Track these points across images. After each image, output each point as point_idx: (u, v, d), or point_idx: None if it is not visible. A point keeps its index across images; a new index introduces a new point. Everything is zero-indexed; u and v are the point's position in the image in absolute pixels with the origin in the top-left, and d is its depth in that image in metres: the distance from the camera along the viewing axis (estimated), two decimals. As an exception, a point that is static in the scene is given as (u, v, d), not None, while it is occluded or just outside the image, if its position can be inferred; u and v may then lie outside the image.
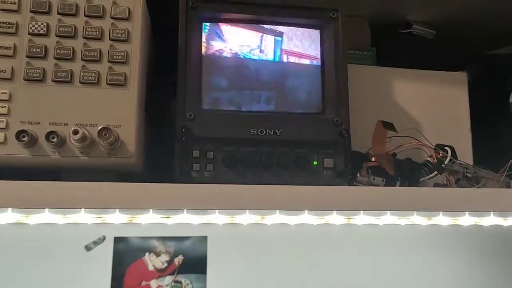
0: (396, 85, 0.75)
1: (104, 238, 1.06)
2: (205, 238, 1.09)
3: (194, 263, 1.08)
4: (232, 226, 1.05)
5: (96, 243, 1.05)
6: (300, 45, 0.63)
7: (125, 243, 1.06)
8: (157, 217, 0.77)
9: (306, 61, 0.63)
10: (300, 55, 0.63)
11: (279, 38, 0.63)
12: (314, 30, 0.64)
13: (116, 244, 1.06)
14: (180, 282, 1.07)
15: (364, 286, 1.09)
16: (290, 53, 0.63)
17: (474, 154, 0.74)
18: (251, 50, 0.62)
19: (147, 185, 0.50)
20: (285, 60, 0.63)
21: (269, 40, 0.62)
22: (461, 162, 0.66)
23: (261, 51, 0.62)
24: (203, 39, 0.61)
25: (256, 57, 0.62)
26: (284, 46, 0.63)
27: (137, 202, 0.50)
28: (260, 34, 0.62)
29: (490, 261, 1.13)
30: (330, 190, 0.53)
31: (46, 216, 0.72)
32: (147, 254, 1.06)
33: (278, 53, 0.63)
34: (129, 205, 0.50)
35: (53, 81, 0.52)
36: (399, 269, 1.11)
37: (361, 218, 0.82)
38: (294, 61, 0.63)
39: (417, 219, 0.84)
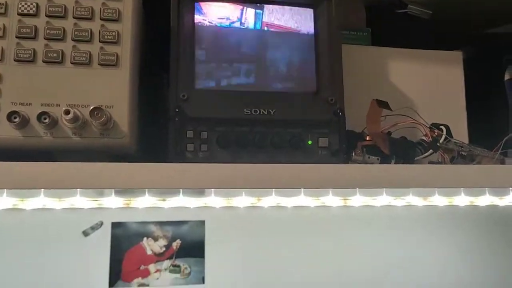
0: (391, 64, 0.74)
1: (101, 223, 1.06)
2: (202, 222, 1.10)
3: (192, 247, 1.08)
4: (229, 210, 1.06)
5: (93, 228, 1.05)
6: (295, 20, 0.63)
7: (122, 228, 1.06)
8: (153, 200, 0.77)
9: (301, 38, 0.63)
10: (292, 29, 0.63)
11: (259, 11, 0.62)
12: (308, 8, 0.63)
13: (114, 229, 1.06)
14: (178, 266, 1.07)
15: (361, 268, 1.10)
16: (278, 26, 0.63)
17: (469, 133, 0.73)
18: (246, 26, 0.61)
19: (142, 165, 0.50)
20: (276, 36, 0.62)
21: (250, 12, 0.62)
22: (456, 141, 0.66)
23: (252, 26, 0.62)
24: (195, 20, 0.60)
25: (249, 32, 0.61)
26: (275, 22, 0.63)
27: (132, 182, 0.49)
28: (253, 8, 0.62)
29: (487, 242, 1.14)
30: (325, 168, 0.53)
31: (42, 200, 0.71)
32: (145, 239, 1.07)
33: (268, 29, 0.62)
34: (125, 185, 0.49)
35: (43, 61, 0.51)
36: (396, 252, 1.11)
37: (357, 199, 0.82)
38: (288, 37, 0.62)
39: (413, 199, 0.84)
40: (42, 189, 0.64)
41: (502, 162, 0.65)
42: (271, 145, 0.58)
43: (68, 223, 1.03)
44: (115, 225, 1.06)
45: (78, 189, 0.66)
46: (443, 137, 0.64)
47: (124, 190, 0.64)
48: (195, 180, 0.50)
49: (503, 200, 0.85)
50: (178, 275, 1.07)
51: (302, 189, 0.74)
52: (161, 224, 1.08)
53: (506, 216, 1.13)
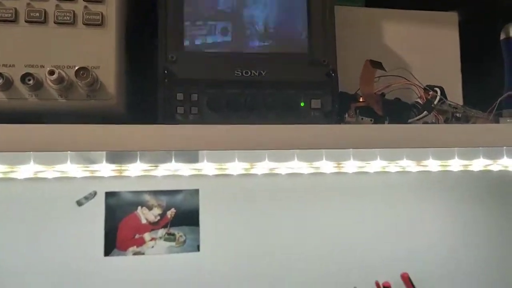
0: (385, 26, 0.73)
1: (95, 193, 1.06)
2: (196, 191, 1.10)
3: (187, 215, 1.08)
4: (223, 178, 1.06)
5: (87, 198, 1.05)
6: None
7: (116, 198, 1.06)
8: (145, 167, 0.76)
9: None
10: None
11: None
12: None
13: (108, 198, 1.06)
14: (173, 234, 1.07)
15: (355, 235, 1.11)
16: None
17: (464, 95, 0.73)
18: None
19: (133, 126, 0.49)
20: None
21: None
22: (451, 102, 0.65)
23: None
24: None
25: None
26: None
27: (123, 143, 0.48)
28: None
29: (480, 207, 1.15)
30: (319, 129, 0.52)
31: (32, 167, 0.70)
32: (139, 208, 1.07)
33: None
34: (115, 147, 0.48)
35: (26, 21, 0.49)
36: (390, 218, 1.12)
37: (351, 164, 0.81)
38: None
39: (407, 163, 0.83)
40: (32, 156, 0.63)
41: (497, 123, 0.64)
42: (263, 107, 0.57)
43: (62, 193, 1.03)
44: (109, 195, 1.06)
45: (68, 156, 0.65)
46: (438, 98, 0.63)
47: (115, 156, 0.63)
48: (187, 141, 0.49)
49: (497, 163, 0.85)
50: (173, 243, 1.07)
51: (295, 153, 0.73)
52: (155, 193, 1.08)
53: (500, 181, 1.13)
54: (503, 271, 1.13)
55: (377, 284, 1.05)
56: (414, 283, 1.05)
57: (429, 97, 0.64)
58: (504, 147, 0.56)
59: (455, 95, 0.70)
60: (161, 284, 1.04)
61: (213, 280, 1.06)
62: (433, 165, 0.88)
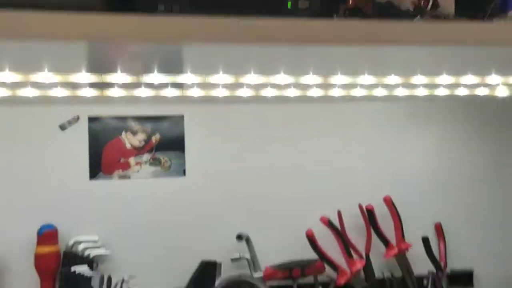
0: None
1: (78, 118, 1.04)
2: (181, 117, 1.08)
3: (172, 141, 1.08)
4: (208, 104, 1.04)
5: (70, 122, 1.03)
6: None
7: (100, 123, 1.05)
8: (127, 80, 0.73)
9: None
10: None
11: None
12: None
13: (91, 123, 1.04)
14: (158, 159, 1.07)
15: (341, 161, 1.12)
16: None
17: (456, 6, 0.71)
18: None
19: (114, 15, 0.47)
20: None
21: None
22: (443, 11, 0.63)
23: None
24: None
25: None
26: None
27: (104, 33, 0.46)
28: None
29: (463, 134, 1.17)
30: (306, 22, 0.50)
31: (7, 77, 0.67)
32: (123, 132, 1.06)
33: None
34: (96, 37, 0.46)
35: None
36: (375, 145, 1.13)
37: (339, 79, 0.80)
38: None
39: (394, 80, 0.82)
40: (6, 63, 0.60)
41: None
42: (248, 7, 0.54)
43: (44, 117, 1.01)
44: (92, 120, 1.04)
45: (46, 64, 0.62)
46: (431, 3, 0.61)
47: (95, 62, 0.61)
48: (170, 33, 0.47)
49: (485, 82, 0.84)
50: (158, 168, 1.07)
51: (281, 68, 0.71)
52: (139, 119, 1.06)
53: (484, 106, 1.14)
54: (484, 195, 1.16)
55: (360, 207, 1.07)
56: (397, 206, 1.07)
57: (422, 3, 0.62)
58: (495, 53, 0.54)
59: (447, 4, 0.68)
60: (147, 206, 1.04)
61: (199, 204, 1.07)
62: (420, 84, 0.87)
